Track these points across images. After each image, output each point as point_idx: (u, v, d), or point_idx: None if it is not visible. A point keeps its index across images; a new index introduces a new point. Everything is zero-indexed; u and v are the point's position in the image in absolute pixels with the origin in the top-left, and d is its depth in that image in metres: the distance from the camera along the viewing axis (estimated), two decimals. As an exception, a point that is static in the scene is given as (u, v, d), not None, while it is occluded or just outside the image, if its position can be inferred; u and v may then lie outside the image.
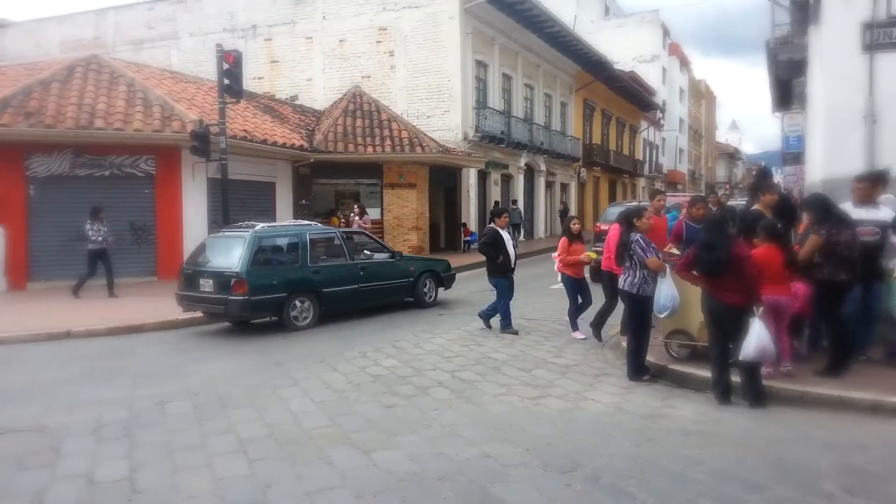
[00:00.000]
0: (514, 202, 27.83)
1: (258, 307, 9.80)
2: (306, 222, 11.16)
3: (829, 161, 7.79)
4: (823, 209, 6.41)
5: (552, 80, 32.90)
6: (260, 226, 10.43)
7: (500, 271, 9.45)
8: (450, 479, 4.38)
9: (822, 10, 8.11)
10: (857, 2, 7.56)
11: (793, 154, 23.79)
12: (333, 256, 11.14)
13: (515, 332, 9.26)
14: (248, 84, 21.52)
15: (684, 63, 63.54)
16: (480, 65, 25.64)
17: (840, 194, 7.41)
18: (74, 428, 5.60)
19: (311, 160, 19.78)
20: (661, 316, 6.66)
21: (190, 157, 14.70)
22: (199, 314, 10.40)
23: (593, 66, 35.21)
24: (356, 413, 5.86)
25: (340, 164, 20.69)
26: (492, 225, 9.78)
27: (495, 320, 9.67)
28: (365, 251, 12.20)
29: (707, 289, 5.98)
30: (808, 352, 6.92)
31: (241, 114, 18.28)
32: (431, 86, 24.07)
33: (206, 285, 9.83)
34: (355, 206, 16.62)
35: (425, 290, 12.16)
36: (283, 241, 10.51)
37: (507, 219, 9.90)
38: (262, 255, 9.99)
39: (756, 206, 6.96)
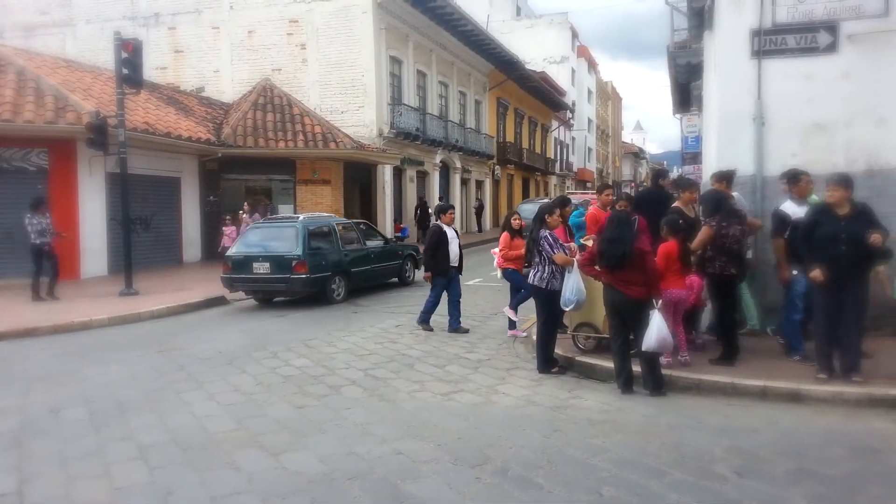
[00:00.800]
0: (441, 199, 28.27)
1: (313, 284, 11.63)
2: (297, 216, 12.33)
3: (722, 160, 8.22)
4: (714, 203, 6.77)
5: (466, 78, 33.22)
6: (302, 216, 12.68)
7: (439, 270, 9.31)
8: (360, 478, 4.35)
9: (716, 16, 8.54)
10: (746, 10, 8.01)
11: (691, 154, 25.11)
12: (352, 242, 13.08)
13: (430, 329, 9.29)
14: (151, 74, 20.60)
15: (592, 65, 65.63)
16: (395, 61, 25.56)
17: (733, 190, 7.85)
18: (-46, 441, 5.20)
19: (219, 155, 19.19)
20: (567, 309, 6.84)
21: (86, 150, 13.95)
22: (102, 317, 10.09)
23: (506, 66, 35.82)
24: (265, 415, 5.72)
25: (251, 160, 20.15)
26: (437, 222, 9.64)
27: (467, 322, 9.48)
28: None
29: (609, 283, 6.19)
30: (703, 342, 7.31)
31: (142, 105, 17.47)
32: (345, 81, 23.77)
33: (262, 268, 11.60)
34: (245, 203, 16.20)
35: (407, 270, 14.50)
36: (322, 230, 12.45)
37: (453, 215, 9.72)
38: (311, 241, 11.86)
39: (676, 204, 7.28)
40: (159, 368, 7.48)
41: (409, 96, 26.51)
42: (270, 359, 7.77)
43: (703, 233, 6.64)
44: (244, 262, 11.75)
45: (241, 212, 15.99)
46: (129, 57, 12.72)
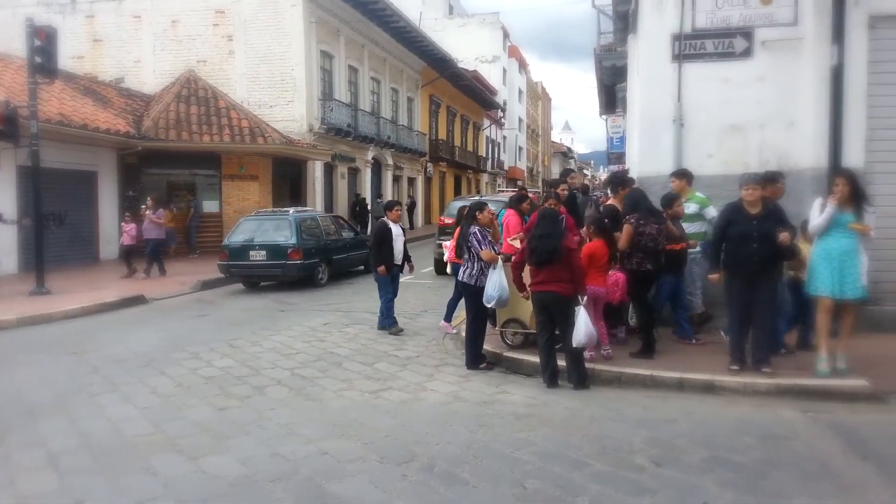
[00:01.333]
0: (381, 196, 29.07)
1: (305, 269, 13.20)
2: None
3: (643, 160, 8.50)
4: (633, 202, 6.98)
5: (399, 74, 33.08)
6: (292, 210, 14.35)
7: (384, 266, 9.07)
8: (284, 479, 4.26)
9: (639, 21, 8.80)
10: (668, 15, 8.29)
11: (616, 154, 25.86)
12: (331, 234, 14.66)
13: (400, 331, 8.89)
14: (67, 64, 19.66)
15: (523, 65, 66.50)
16: (326, 55, 25.18)
17: (654, 190, 8.11)
18: None
19: (139, 148, 18.45)
20: (489, 305, 6.90)
21: (-6, 142, 13.14)
22: (10, 317, 9.48)
23: (438, 64, 35.87)
24: (184, 418, 5.53)
25: (174, 154, 19.47)
26: (383, 219, 9.42)
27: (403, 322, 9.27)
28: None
29: (536, 281, 6.28)
30: (625, 336, 7.52)
31: (56, 96, 16.62)
32: (274, 74, 23.23)
33: (258, 255, 13.08)
34: (148, 198, 15.31)
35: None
36: (309, 222, 13.98)
37: (399, 211, 9.56)
38: (302, 232, 13.27)
39: (611, 201, 7.41)
40: (72, 371, 7.13)
41: (341, 92, 26.19)
42: (191, 360, 7.52)
43: (625, 230, 6.83)
44: (241, 251, 13.19)
45: (143, 207, 15.12)
46: (43, 45, 12.06)
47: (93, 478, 4.35)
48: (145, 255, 14.63)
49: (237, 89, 23.00)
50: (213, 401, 5.97)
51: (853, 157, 7.74)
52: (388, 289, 9.08)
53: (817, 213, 6.08)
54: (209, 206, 20.46)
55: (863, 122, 7.78)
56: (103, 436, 5.11)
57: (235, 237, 13.61)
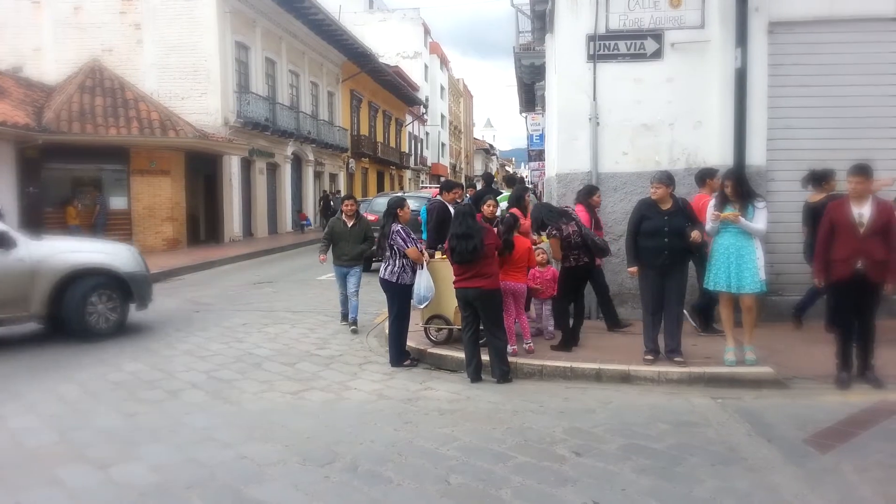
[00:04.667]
0: (338, 192, 31.15)
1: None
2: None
3: (561, 157, 8.68)
4: (537, 216, 7.11)
5: (318, 68, 32.54)
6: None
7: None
8: (200, 485, 4.10)
9: (556, 21, 8.97)
10: (583, 15, 8.48)
11: (537, 151, 26.37)
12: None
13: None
14: (-45, 49, 18.29)
15: (444, 62, 66.84)
16: (241, 47, 24.47)
17: (572, 188, 8.31)
18: None
19: (40, 141, 17.40)
20: (421, 307, 6.91)
21: None
22: None
23: (359, 58, 35.52)
24: (91, 426, 5.23)
25: (78, 147, 18.46)
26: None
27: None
28: None
29: (460, 277, 6.31)
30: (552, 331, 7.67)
31: (-56, 84, 15.42)
32: (186, 65, 22.38)
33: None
34: None
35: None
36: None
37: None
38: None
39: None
40: (-35, 380, 6.63)
41: (258, 85, 25.52)
42: (97, 365, 7.13)
43: (553, 244, 6.95)
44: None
45: None
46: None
47: (-11, 494, 4.06)
48: None
49: (146, 80, 22.04)
50: (121, 406, 5.68)
51: (756, 155, 8.16)
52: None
53: (711, 212, 6.39)
54: (117, 203, 19.55)
55: (764, 122, 8.21)
56: (3, 447, 4.78)
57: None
